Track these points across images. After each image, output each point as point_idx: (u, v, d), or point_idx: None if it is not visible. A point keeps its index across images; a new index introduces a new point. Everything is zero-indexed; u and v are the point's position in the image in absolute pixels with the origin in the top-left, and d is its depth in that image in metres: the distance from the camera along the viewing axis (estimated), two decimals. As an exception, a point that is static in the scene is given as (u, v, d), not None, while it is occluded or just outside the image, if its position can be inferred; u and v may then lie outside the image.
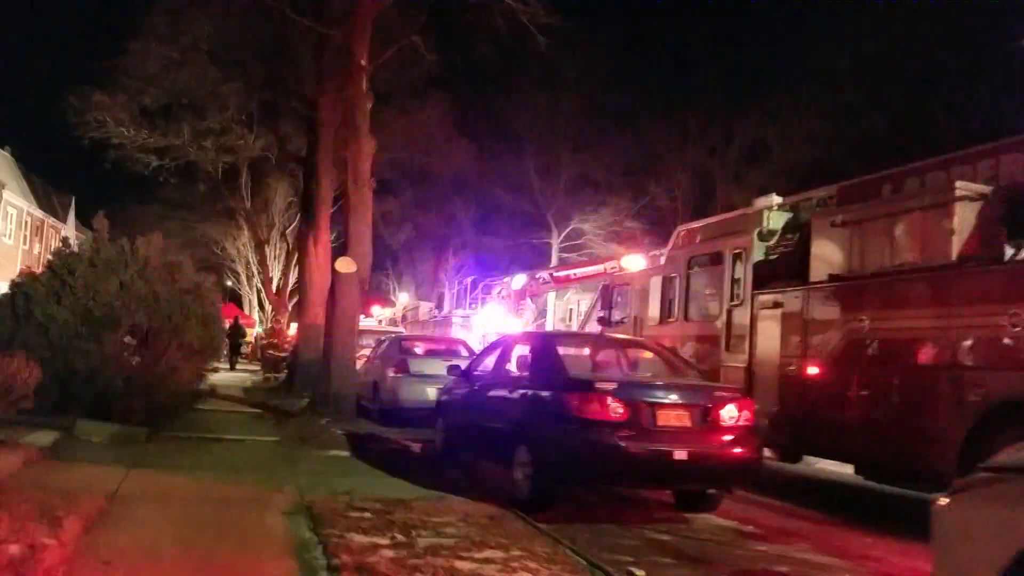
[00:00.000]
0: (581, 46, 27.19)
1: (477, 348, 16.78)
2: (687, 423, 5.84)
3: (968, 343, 5.94)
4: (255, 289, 36.25)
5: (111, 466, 6.23)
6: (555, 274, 21.22)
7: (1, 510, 4.00)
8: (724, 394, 6.09)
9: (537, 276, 21.92)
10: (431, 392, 11.11)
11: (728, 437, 5.90)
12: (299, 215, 20.76)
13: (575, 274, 20.01)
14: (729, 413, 5.94)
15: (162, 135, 18.83)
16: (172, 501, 5.41)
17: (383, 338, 15.10)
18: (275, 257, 30.70)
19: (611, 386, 5.75)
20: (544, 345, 6.93)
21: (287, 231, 29.31)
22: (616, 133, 28.70)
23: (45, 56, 55.83)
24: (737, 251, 8.95)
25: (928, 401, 6.19)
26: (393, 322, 34.48)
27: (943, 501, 2.75)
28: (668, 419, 5.79)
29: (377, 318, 36.63)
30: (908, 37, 21.62)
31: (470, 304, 29.65)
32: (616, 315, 11.78)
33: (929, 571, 4.73)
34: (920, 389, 6.29)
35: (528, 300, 23.82)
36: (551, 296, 26.83)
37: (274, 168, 23.95)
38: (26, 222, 35.00)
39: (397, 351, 12.88)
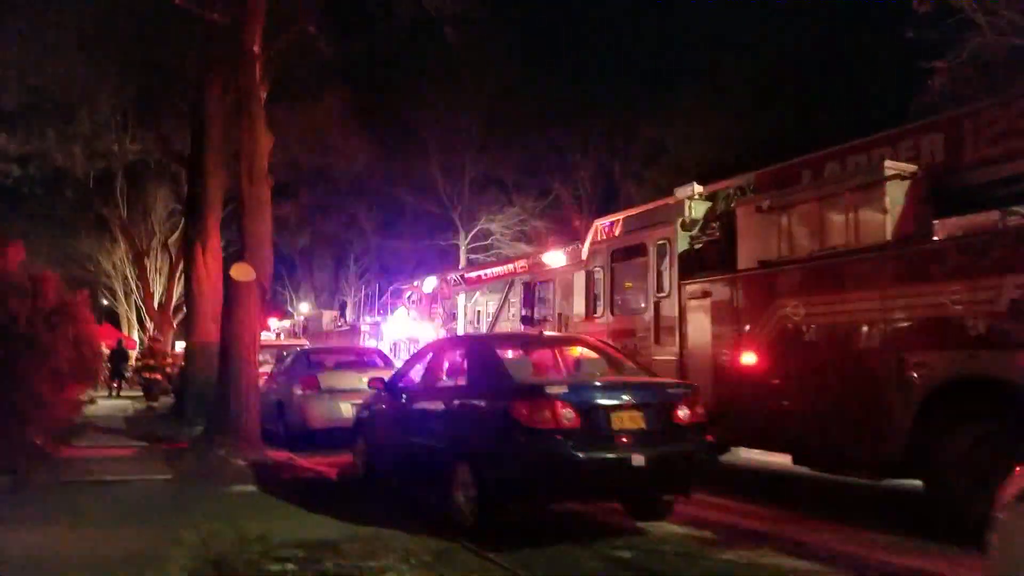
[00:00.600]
0: (483, 44, 26.76)
1: (391, 357, 15.97)
2: (642, 425, 5.41)
3: (909, 324, 5.86)
4: (134, 307, 33.19)
5: (-40, 528, 5.08)
6: (466, 275, 20.66)
7: None
8: (675, 390, 5.75)
9: (448, 278, 21.27)
10: (346, 409, 10.23)
11: (684, 436, 5.54)
12: (183, 222, 18.87)
13: (486, 274, 19.52)
14: (682, 410, 5.58)
15: (24, 140, 16.54)
16: (42, 568, 4.40)
17: (286, 352, 13.90)
18: (157, 270, 28.13)
19: (560, 390, 5.23)
20: (481, 349, 6.32)
21: (169, 241, 26.85)
22: (520, 132, 28.47)
23: None
24: (661, 242, 8.75)
25: (871, 386, 6.05)
26: (293, 334, 32.65)
27: (1004, 511, 2.34)
28: (622, 422, 5.34)
29: (275, 331, 34.60)
30: (795, 38, 22.71)
31: (378, 311, 28.53)
32: (539, 313, 11.37)
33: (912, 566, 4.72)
34: (862, 374, 6.15)
35: (439, 303, 23.12)
36: (461, 298, 26.27)
37: (153, 173, 21.83)
38: None
39: (304, 366, 11.80)
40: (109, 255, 30.87)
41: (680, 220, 8.47)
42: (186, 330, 16.31)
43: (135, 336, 32.87)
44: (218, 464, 8.44)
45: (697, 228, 8.54)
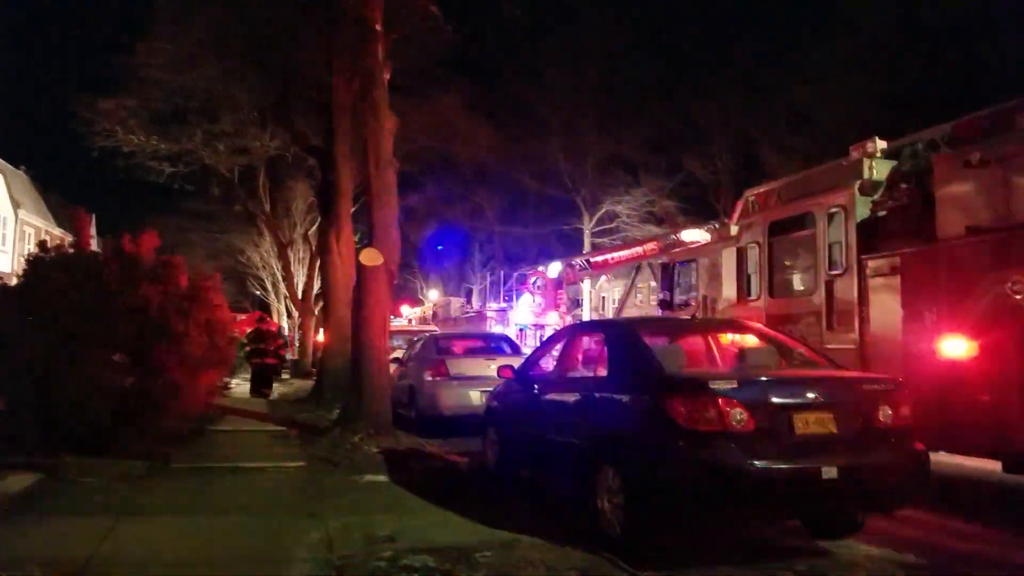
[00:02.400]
0: (603, 16, 25.64)
1: (518, 343, 15.53)
2: (832, 429, 4.41)
3: None
4: (282, 297, 35.33)
5: (96, 515, 5.05)
6: (591, 259, 19.85)
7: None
8: (875, 387, 4.65)
9: (573, 263, 20.57)
10: (475, 396, 9.91)
11: (887, 443, 4.49)
12: (319, 212, 19.50)
13: (613, 258, 18.61)
14: (884, 411, 4.52)
15: (174, 140, 17.79)
16: (160, 567, 4.17)
17: (416, 338, 13.81)
18: (299, 261, 29.63)
19: (728, 385, 4.33)
20: (624, 335, 5.51)
21: (309, 233, 28.20)
22: (646, 107, 27.02)
23: (57, 71, 55.55)
24: (834, 210, 7.49)
25: None
26: (423, 321, 33.35)
27: None
28: (808, 425, 4.37)
29: (407, 317, 35.57)
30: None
31: (503, 297, 28.39)
32: (679, 297, 10.35)
33: None
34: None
35: (564, 289, 22.47)
36: (585, 284, 25.44)
37: (292, 167, 22.84)
38: (45, 241, 34.49)
39: (433, 351, 11.57)
40: (257, 248, 33.00)
41: (858, 183, 7.18)
42: (323, 317, 16.81)
43: (283, 324, 35.00)
44: (351, 451, 8.29)
45: (879, 192, 7.21)
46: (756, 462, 4.16)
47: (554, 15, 24.22)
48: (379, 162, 10.44)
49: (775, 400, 4.36)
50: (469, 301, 36.69)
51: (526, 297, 23.99)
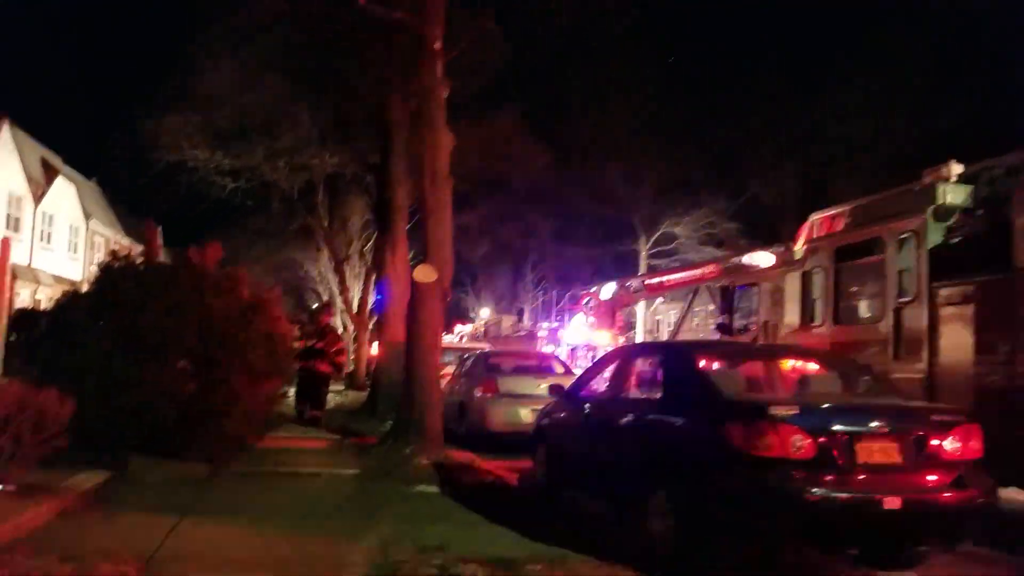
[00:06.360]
0: (664, 36, 25.44)
1: (568, 363, 15.46)
2: (897, 459, 4.25)
3: None
4: (338, 310, 36.14)
5: (160, 514, 5.24)
6: (647, 281, 19.58)
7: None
8: (943, 418, 4.47)
9: (627, 284, 20.35)
10: (524, 414, 9.92)
11: (953, 476, 4.31)
12: (375, 229, 19.96)
13: (669, 280, 18.30)
14: (951, 443, 4.33)
15: (236, 156, 18.51)
16: (218, 568, 4.31)
17: (467, 355, 13.91)
18: (355, 276, 30.31)
19: (789, 411, 4.21)
20: (682, 358, 5.43)
21: (365, 249, 28.85)
22: (707, 128, 26.59)
23: (126, 85, 58.61)
24: (904, 235, 7.22)
25: None
26: (475, 338, 33.57)
27: None
28: (871, 454, 4.22)
29: (459, 334, 35.89)
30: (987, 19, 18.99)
31: (555, 317, 28.38)
32: (739, 321, 10.12)
33: None
34: None
35: (618, 310, 22.27)
36: (640, 306, 25.10)
37: (350, 184, 23.40)
38: (116, 250, 36.09)
39: (484, 369, 11.64)
40: (315, 262, 33.94)
41: (932, 208, 6.91)
42: (377, 331, 17.13)
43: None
44: (402, 462, 8.38)
45: (954, 218, 6.92)
46: (815, 490, 4.04)
47: (615, 34, 24.10)
48: (435, 179, 10.61)
49: (836, 427, 4.22)
50: (521, 320, 36.81)
51: (579, 317, 23.88)
